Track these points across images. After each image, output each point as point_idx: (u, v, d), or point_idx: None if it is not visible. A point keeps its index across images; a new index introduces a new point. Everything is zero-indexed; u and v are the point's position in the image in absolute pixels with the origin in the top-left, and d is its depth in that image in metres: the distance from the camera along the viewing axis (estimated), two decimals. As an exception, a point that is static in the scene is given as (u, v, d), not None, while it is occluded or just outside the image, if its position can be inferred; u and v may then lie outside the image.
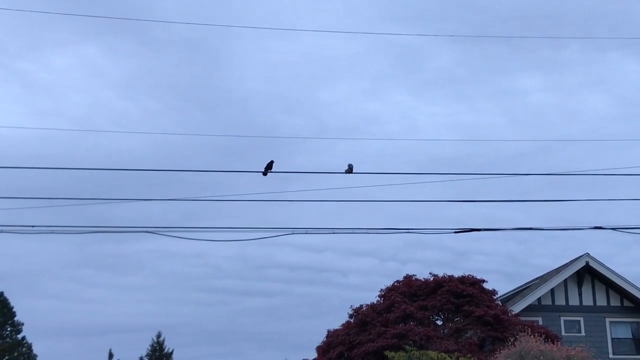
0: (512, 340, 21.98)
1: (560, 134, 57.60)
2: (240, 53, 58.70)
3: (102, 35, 55.46)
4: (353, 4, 53.48)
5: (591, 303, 33.63)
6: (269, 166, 17.43)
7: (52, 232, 16.47)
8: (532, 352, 20.37)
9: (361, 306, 29.24)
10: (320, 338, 29.71)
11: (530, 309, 32.42)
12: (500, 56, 58.19)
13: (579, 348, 21.43)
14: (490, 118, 63.13)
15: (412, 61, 61.34)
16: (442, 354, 23.00)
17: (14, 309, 57.07)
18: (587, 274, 33.60)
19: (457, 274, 29.42)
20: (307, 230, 17.08)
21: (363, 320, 28.17)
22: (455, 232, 17.26)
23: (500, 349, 22.24)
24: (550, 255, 64.09)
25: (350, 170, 17.50)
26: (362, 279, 69.95)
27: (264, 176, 17.43)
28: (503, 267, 64.61)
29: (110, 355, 60.53)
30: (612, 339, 33.28)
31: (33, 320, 58.86)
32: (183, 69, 59.02)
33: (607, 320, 33.44)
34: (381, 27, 52.52)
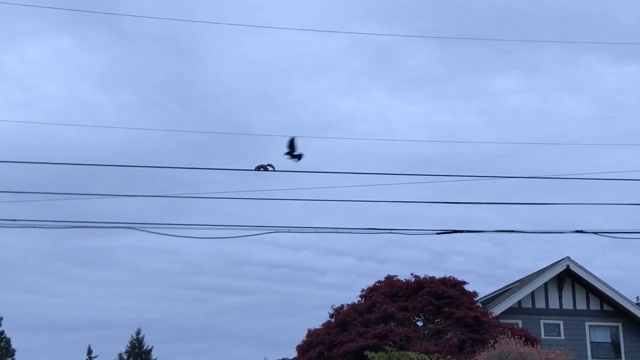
0: (492, 342, 22.06)
1: (537, 135, 57.81)
2: (215, 48, 58.52)
3: (76, 27, 54.94)
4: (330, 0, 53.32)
5: (571, 307, 33.76)
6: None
7: (34, 227, 16.38)
8: (511, 355, 20.45)
9: (342, 306, 29.25)
10: (298, 336, 29.75)
11: (510, 312, 32.52)
12: (478, 56, 58.21)
13: (558, 351, 21.55)
14: (468, 118, 63.19)
15: (389, 59, 61.26)
16: (422, 355, 23.05)
17: (-8, 303, 56.78)
18: (568, 277, 33.74)
19: (435, 274, 29.50)
20: (290, 229, 17.06)
21: (344, 320, 28.18)
22: (438, 234, 17.29)
23: (480, 351, 22.31)
24: (528, 257, 64.25)
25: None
26: (340, 278, 69.99)
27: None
28: (481, 269, 64.80)
29: (89, 351, 60.33)
30: (591, 342, 33.42)
31: (10, 314, 58.48)
32: (158, 63, 58.68)
33: (587, 324, 33.59)
34: (358, 24, 52.47)
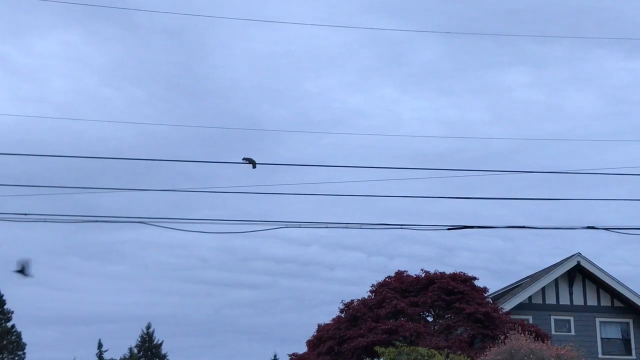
0: (502, 338, 22.05)
1: (546, 130, 57.65)
2: (224, 42, 58.51)
3: (84, 21, 54.99)
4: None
5: (582, 303, 33.69)
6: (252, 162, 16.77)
7: (45, 221, 16.38)
8: (522, 350, 20.42)
9: (352, 301, 29.27)
10: (307, 331, 29.84)
11: (520, 307, 32.45)
12: (486, 51, 58.06)
13: (569, 347, 21.51)
14: (476, 113, 63.05)
15: (398, 54, 61.15)
16: (432, 350, 23.01)
17: (3, 297, 56.92)
18: (578, 273, 33.64)
19: (444, 269, 29.52)
20: (300, 224, 17.03)
21: (354, 315, 28.20)
22: (449, 229, 17.24)
23: (490, 347, 22.28)
24: (537, 253, 64.18)
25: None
26: (349, 273, 70.08)
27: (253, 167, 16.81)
28: (490, 264, 64.63)
29: (100, 345, 60.49)
30: (602, 338, 33.33)
31: (21, 308, 58.72)
32: (167, 57, 58.67)
33: (597, 320, 33.51)
34: (367, 19, 52.34)
